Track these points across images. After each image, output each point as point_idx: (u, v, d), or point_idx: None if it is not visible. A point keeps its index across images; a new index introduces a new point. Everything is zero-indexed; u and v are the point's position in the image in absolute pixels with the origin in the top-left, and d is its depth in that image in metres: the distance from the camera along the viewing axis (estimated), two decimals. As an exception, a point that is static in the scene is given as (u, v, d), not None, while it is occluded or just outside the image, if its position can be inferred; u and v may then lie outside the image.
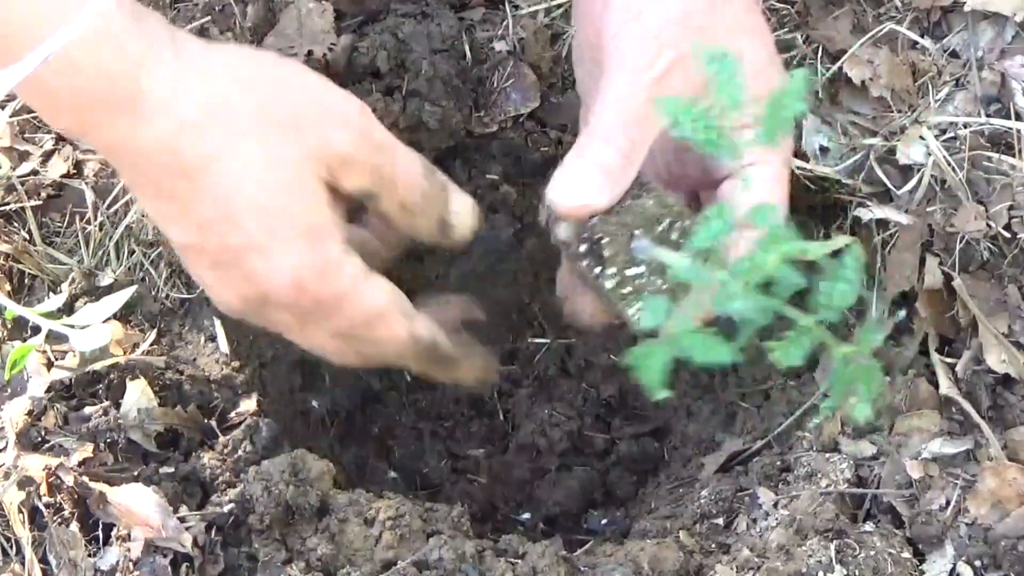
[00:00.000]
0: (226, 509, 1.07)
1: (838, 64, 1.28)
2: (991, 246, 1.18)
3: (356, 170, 1.04)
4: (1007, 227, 1.17)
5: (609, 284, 0.99)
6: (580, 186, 1.05)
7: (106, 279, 1.26)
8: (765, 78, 1.12)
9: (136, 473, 1.10)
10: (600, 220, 1.01)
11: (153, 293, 1.28)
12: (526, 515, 1.37)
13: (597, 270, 1.00)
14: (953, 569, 1.02)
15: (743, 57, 1.04)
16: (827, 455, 1.13)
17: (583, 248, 1.01)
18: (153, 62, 0.98)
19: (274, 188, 1.01)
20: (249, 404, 1.20)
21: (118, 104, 0.97)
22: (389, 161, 1.06)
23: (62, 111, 0.99)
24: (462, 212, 1.11)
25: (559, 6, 1.36)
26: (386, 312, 1.07)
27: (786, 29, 1.32)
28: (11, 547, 1.05)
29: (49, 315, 1.17)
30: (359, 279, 1.05)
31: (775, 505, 1.11)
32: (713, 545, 1.09)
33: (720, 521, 1.13)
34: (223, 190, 1.00)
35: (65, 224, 1.32)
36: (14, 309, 1.18)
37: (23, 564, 1.04)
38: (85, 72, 0.95)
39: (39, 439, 1.11)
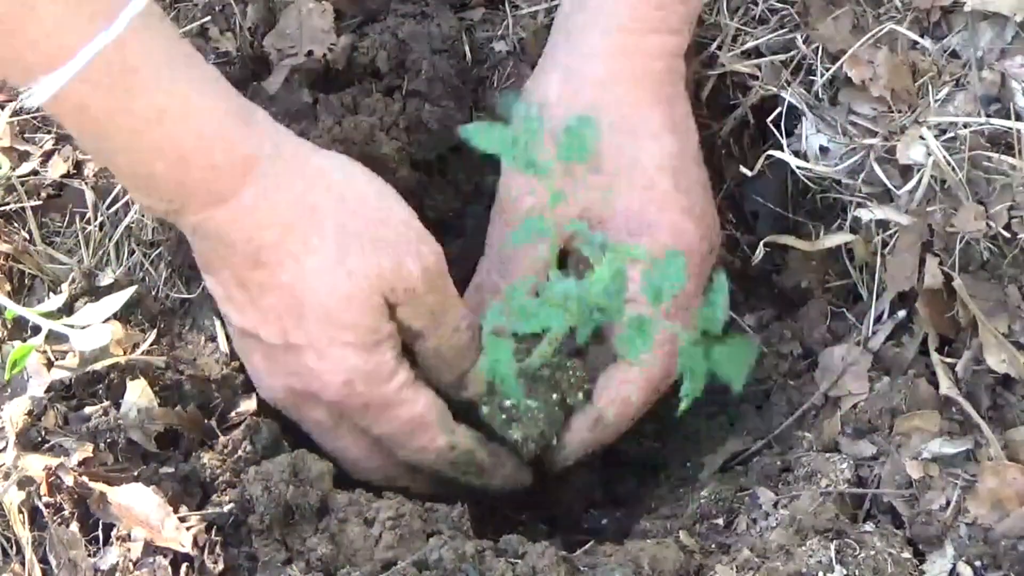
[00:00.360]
0: (226, 509, 1.07)
1: (838, 64, 1.28)
2: (991, 246, 1.18)
3: (413, 304, 1.11)
4: (1007, 227, 1.17)
5: (485, 410, 1.19)
6: None
7: (106, 279, 1.26)
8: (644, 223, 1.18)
9: (136, 473, 1.10)
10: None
11: (153, 293, 1.28)
12: (525, 515, 1.37)
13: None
14: (953, 569, 1.02)
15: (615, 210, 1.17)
16: (827, 455, 1.13)
17: None
18: (256, 162, 1.04)
19: (342, 296, 1.07)
20: (249, 404, 1.20)
21: (216, 197, 1.04)
22: (442, 308, 1.13)
23: (159, 196, 1.05)
24: (478, 379, 1.18)
25: (559, 6, 1.36)
26: (430, 421, 1.14)
27: (786, 29, 1.32)
28: (11, 547, 1.05)
29: (49, 315, 1.17)
30: (407, 388, 1.12)
31: (775, 505, 1.11)
32: (713, 545, 1.09)
33: (720, 521, 1.13)
34: (294, 288, 1.07)
35: (65, 224, 1.32)
36: (14, 309, 1.18)
37: (23, 564, 1.03)
38: (194, 168, 1.02)
39: (39, 439, 1.11)
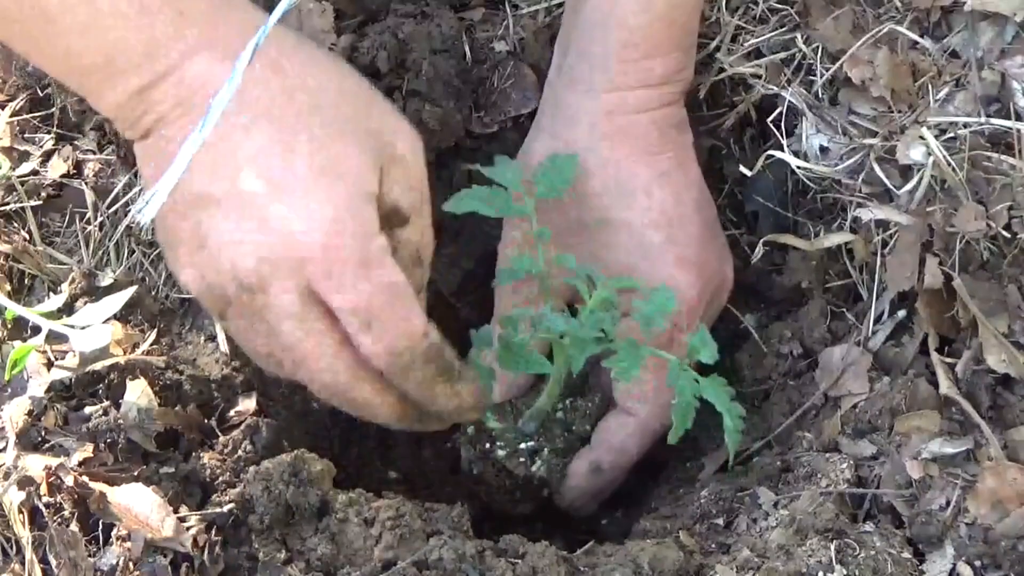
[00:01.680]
0: (226, 509, 1.07)
1: (838, 64, 1.28)
2: (991, 246, 1.18)
3: (404, 175, 1.03)
4: (1007, 227, 1.17)
5: (501, 453, 1.25)
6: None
7: (106, 279, 1.26)
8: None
9: (136, 473, 1.10)
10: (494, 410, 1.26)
11: (153, 293, 1.28)
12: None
13: (487, 445, 1.25)
14: (953, 569, 1.02)
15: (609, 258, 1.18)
16: (827, 455, 1.13)
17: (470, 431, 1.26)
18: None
19: (340, 134, 0.99)
20: (249, 404, 1.20)
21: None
22: (425, 192, 1.06)
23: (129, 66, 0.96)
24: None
25: (559, 6, 1.36)
26: (407, 293, 1.02)
27: (785, 29, 1.32)
28: (11, 547, 1.05)
29: (49, 315, 1.17)
30: (387, 254, 1.01)
31: (775, 505, 1.11)
32: (713, 545, 1.09)
33: (720, 521, 1.13)
34: (296, 122, 0.98)
35: (65, 224, 1.32)
36: (14, 309, 1.19)
37: (23, 564, 1.04)
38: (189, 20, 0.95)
39: (39, 439, 1.11)
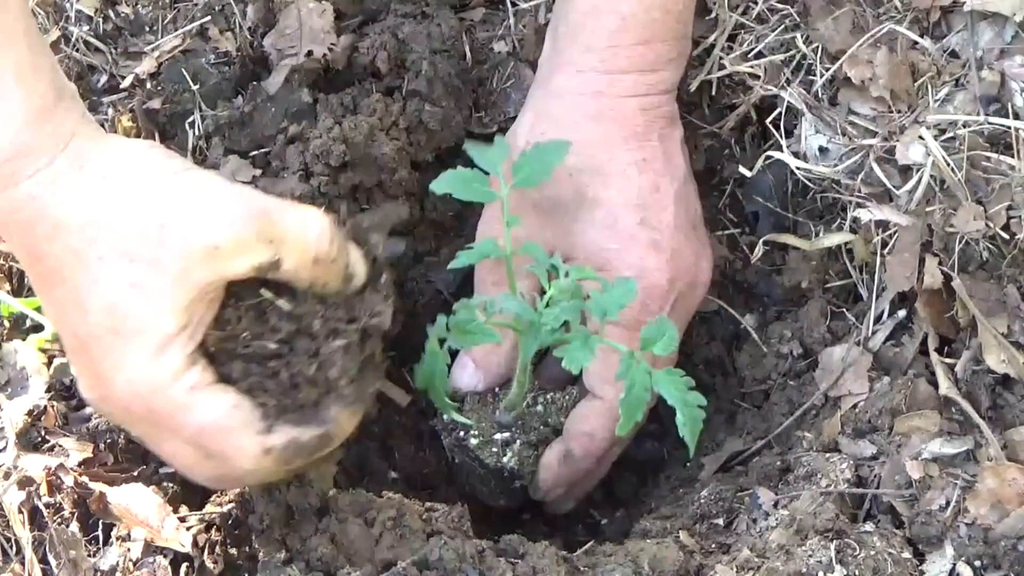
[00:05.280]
0: (226, 509, 1.07)
1: (838, 64, 1.28)
2: (990, 246, 1.18)
3: (239, 254, 0.97)
4: (1006, 227, 1.17)
5: (473, 442, 1.25)
6: (464, 374, 1.27)
7: (106, 279, 1.25)
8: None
9: (136, 473, 1.10)
10: (470, 398, 1.28)
11: (153, 293, 1.28)
12: (526, 515, 1.37)
13: (461, 433, 1.26)
14: (953, 569, 1.02)
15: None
16: (827, 455, 1.13)
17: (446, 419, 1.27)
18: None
19: (129, 289, 0.95)
20: (249, 404, 1.20)
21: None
22: (279, 232, 0.98)
23: None
24: (358, 262, 1.04)
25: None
26: (227, 426, 0.98)
27: (785, 28, 1.32)
28: (11, 547, 1.05)
29: (49, 315, 1.17)
30: (197, 392, 0.98)
31: (775, 505, 1.11)
32: (713, 545, 1.10)
33: (720, 521, 1.13)
34: (77, 281, 0.96)
35: (65, 224, 1.32)
36: (15, 306, 1.19)
37: (23, 564, 1.04)
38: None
39: (39, 439, 1.11)
